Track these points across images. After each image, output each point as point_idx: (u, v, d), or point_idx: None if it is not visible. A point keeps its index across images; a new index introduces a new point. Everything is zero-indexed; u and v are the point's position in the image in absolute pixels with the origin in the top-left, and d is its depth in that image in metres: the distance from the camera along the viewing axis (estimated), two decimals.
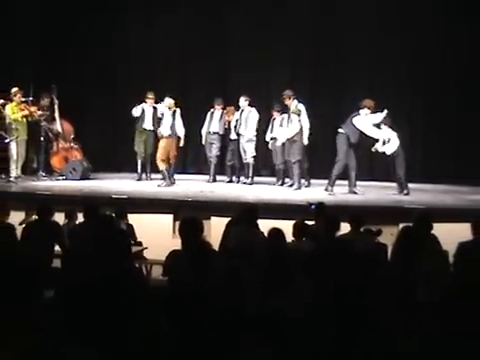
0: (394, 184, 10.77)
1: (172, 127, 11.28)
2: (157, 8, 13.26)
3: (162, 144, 11.31)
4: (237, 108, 11.99)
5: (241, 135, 11.87)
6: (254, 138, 11.83)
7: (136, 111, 12.08)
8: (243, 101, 11.86)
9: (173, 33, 13.40)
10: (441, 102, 12.79)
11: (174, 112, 11.33)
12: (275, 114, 11.74)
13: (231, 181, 12.18)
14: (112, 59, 13.72)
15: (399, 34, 12.87)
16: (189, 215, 5.51)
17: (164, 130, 11.31)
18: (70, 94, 12.60)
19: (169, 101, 11.42)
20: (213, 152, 12.15)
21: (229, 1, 13.53)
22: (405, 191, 10.49)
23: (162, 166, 11.24)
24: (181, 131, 11.43)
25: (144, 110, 12.16)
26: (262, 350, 3.16)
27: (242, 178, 12.08)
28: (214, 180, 12.15)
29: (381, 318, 3.87)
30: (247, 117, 11.79)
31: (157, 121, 12.06)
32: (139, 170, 12.18)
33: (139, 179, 12.10)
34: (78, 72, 13.72)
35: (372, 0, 13.01)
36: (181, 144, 11.57)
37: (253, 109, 11.84)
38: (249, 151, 11.78)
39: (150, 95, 12.14)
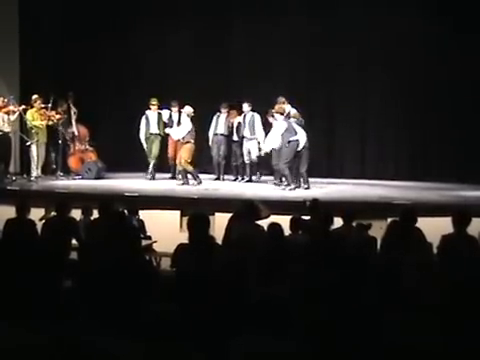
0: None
1: (191, 132, 11.13)
2: (169, 26, 13.27)
3: (187, 147, 11.10)
4: (240, 113, 11.92)
5: (245, 138, 11.75)
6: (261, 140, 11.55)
7: (143, 125, 12.01)
8: (246, 106, 11.71)
9: (181, 47, 13.35)
10: (425, 105, 12.72)
11: (191, 119, 11.18)
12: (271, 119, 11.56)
13: (236, 179, 12.15)
14: (125, 69, 13.69)
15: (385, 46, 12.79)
16: (196, 211, 5.52)
17: (186, 135, 11.11)
18: (86, 101, 12.55)
19: (189, 109, 11.20)
20: (220, 152, 12.10)
21: (232, 26, 13.53)
22: (292, 186, 10.44)
23: (190, 167, 11.12)
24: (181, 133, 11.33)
25: (148, 117, 12.06)
26: (263, 334, 3.16)
27: (245, 177, 12.03)
28: (219, 178, 12.10)
29: (370, 302, 3.89)
30: (253, 121, 11.64)
31: (163, 125, 12.04)
32: (151, 170, 12.06)
33: (152, 178, 12.02)
34: (94, 81, 13.71)
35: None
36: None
37: (256, 114, 11.67)
38: (254, 151, 11.66)
39: (153, 102, 12.00)
